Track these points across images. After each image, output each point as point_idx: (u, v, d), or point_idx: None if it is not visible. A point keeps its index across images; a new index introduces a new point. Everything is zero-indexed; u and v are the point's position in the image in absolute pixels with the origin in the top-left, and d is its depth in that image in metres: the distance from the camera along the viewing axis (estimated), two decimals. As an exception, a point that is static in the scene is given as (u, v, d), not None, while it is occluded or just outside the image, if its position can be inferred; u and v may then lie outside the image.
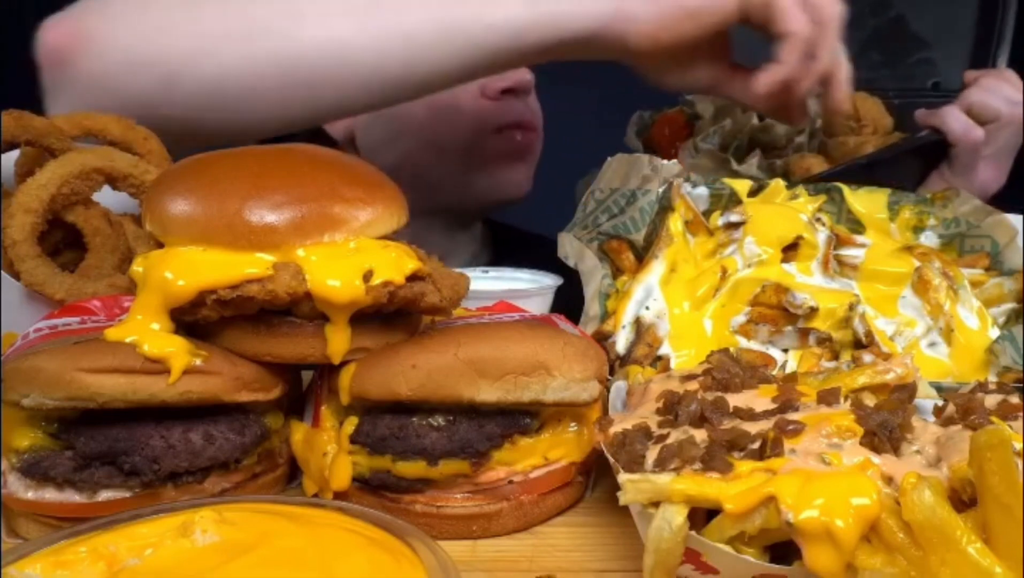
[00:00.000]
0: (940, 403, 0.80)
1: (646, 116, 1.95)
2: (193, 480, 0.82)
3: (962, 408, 0.74)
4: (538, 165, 1.87)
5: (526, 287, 1.26)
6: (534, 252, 1.43)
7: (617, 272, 1.22)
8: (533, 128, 1.83)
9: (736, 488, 0.65)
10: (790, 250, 1.17)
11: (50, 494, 0.80)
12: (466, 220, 1.92)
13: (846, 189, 1.28)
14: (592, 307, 1.16)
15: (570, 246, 1.23)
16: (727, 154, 1.72)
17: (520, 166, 1.84)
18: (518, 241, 2.05)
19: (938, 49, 2.09)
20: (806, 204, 1.25)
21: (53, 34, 1.20)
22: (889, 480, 0.65)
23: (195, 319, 0.82)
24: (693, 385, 0.83)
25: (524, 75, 1.74)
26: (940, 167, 1.56)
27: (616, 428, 0.78)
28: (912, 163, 1.50)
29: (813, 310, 1.10)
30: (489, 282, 1.28)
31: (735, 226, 1.20)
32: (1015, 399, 0.77)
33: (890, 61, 2.12)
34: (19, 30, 1.25)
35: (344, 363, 0.85)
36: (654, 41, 1.22)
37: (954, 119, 1.53)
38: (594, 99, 2.58)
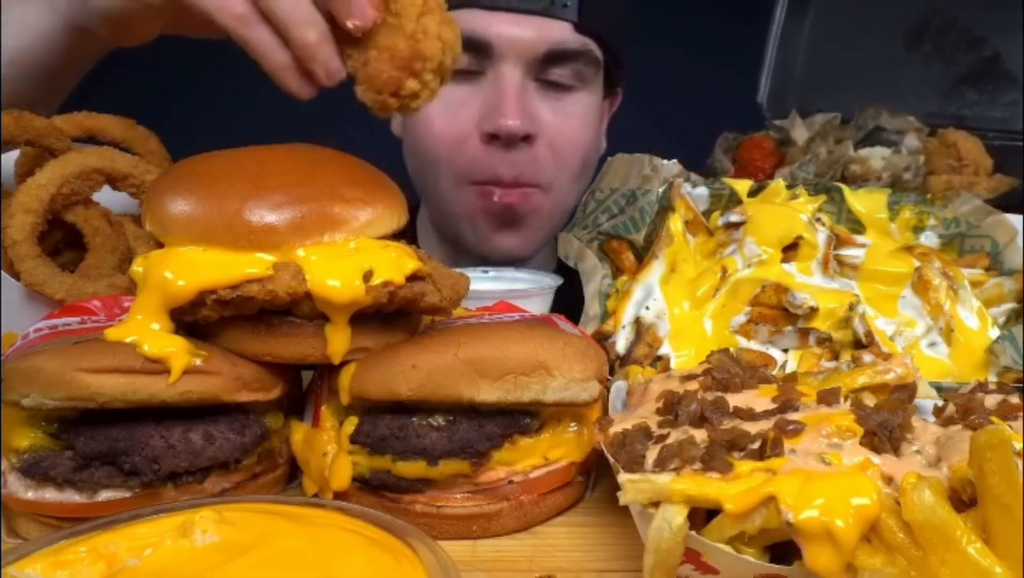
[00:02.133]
0: (940, 403, 0.80)
1: (730, 137, 1.92)
2: (193, 480, 0.82)
3: (962, 408, 0.74)
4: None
5: (526, 287, 1.26)
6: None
7: (617, 272, 1.22)
8: (521, 185, 1.59)
9: (736, 488, 0.65)
10: (790, 250, 1.17)
11: (50, 494, 0.80)
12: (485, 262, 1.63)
13: (846, 189, 1.28)
14: (592, 307, 1.16)
15: (570, 246, 1.23)
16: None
17: (506, 233, 1.64)
18: None
19: None
20: (806, 204, 1.25)
21: None
22: (889, 480, 0.65)
23: (195, 319, 0.82)
24: (693, 385, 0.83)
25: (505, 120, 1.52)
26: None
27: (616, 428, 0.78)
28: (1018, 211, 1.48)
29: (813, 310, 1.10)
30: (489, 282, 1.28)
31: (735, 226, 1.20)
32: (1015, 399, 0.77)
33: (985, 100, 2.08)
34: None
35: (344, 363, 0.85)
36: None
37: None
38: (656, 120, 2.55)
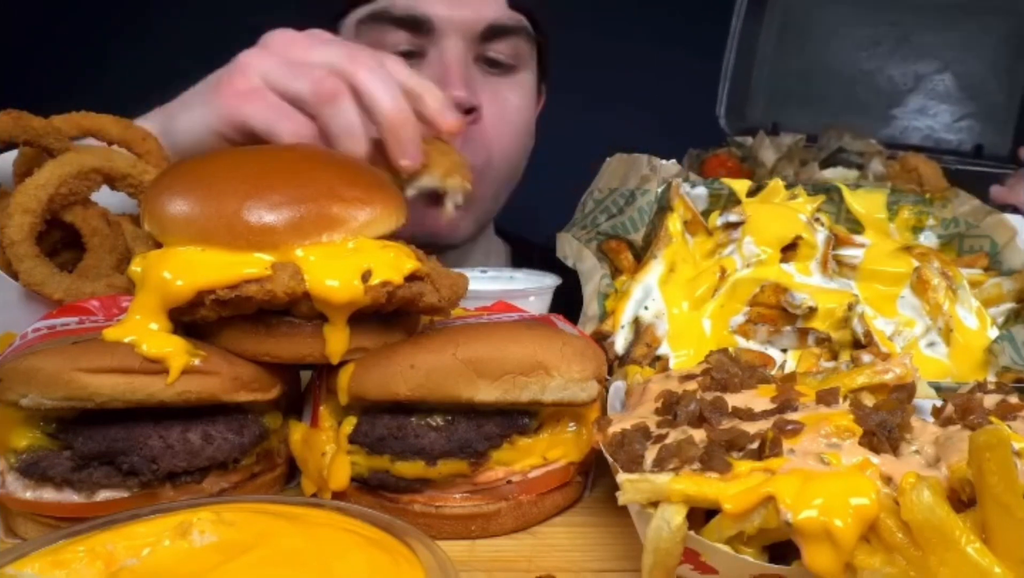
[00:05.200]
0: (939, 403, 0.80)
1: (694, 154, 1.91)
2: (191, 480, 0.82)
3: (961, 408, 0.74)
4: (560, 178, 1.51)
5: (525, 287, 1.26)
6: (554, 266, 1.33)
7: (616, 272, 1.22)
8: None
9: (735, 488, 0.65)
10: (789, 250, 1.17)
11: (48, 494, 0.80)
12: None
13: (845, 189, 1.28)
14: (591, 307, 1.16)
15: (569, 246, 1.23)
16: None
17: (434, 209, 1.53)
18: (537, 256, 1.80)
19: (979, 111, 2.05)
20: (805, 204, 1.25)
21: None
22: (888, 480, 0.65)
23: (193, 319, 0.82)
24: (692, 385, 0.83)
25: (452, 91, 1.48)
26: None
27: (615, 428, 0.78)
28: None
29: (812, 310, 1.10)
30: (488, 282, 1.28)
31: (734, 226, 1.20)
32: (1014, 399, 0.77)
33: (936, 120, 2.09)
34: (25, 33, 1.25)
35: (343, 363, 0.84)
36: None
37: None
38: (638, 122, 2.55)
